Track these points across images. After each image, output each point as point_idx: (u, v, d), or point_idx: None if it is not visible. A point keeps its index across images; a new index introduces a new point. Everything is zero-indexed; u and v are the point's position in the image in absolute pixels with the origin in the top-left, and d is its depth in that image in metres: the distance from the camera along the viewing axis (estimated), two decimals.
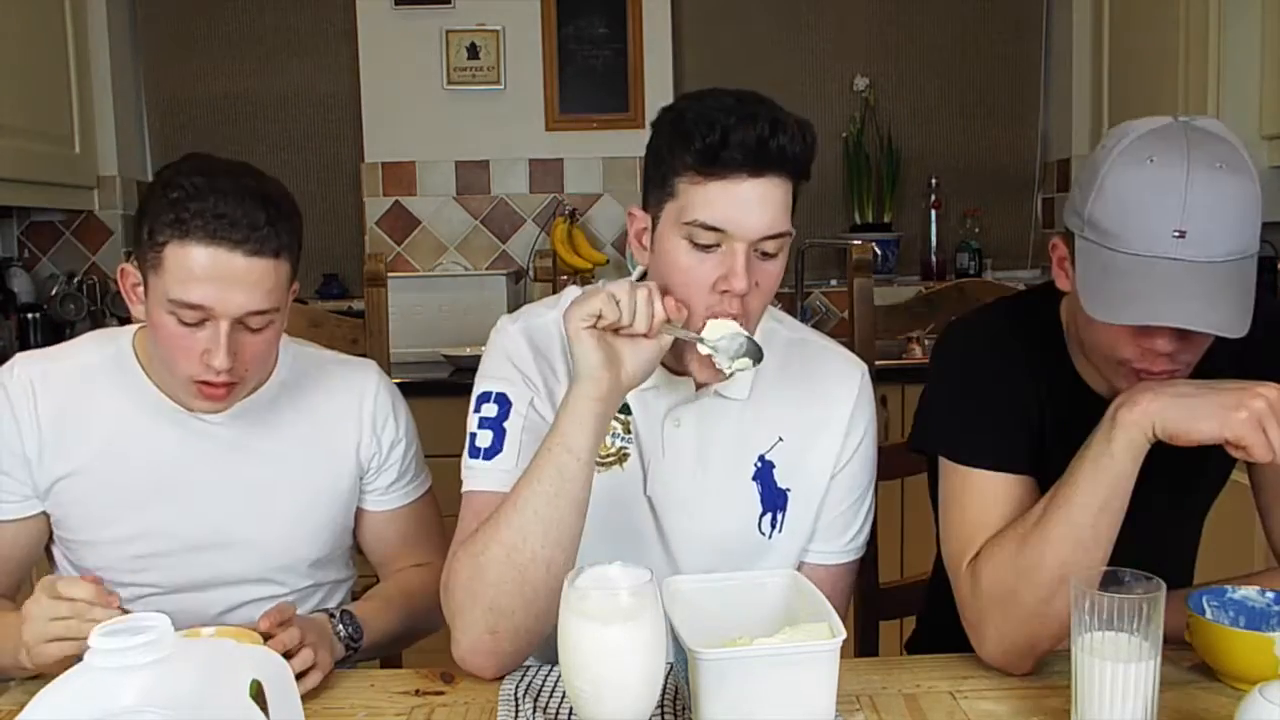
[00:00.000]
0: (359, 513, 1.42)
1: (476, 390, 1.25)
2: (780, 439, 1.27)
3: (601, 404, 1.10)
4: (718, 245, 1.12)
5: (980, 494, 1.18)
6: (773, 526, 1.27)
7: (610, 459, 1.25)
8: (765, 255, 1.14)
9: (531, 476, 1.10)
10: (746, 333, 1.13)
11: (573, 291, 1.30)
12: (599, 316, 1.07)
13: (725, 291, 1.12)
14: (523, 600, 1.09)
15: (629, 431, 1.25)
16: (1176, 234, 1.02)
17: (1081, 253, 1.09)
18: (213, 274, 1.16)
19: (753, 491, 1.27)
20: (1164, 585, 0.95)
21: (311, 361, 1.39)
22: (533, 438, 1.16)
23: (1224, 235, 1.02)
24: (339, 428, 1.37)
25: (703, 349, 1.13)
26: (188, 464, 1.29)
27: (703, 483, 1.26)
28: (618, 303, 1.08)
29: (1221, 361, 1.13)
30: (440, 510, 1.48)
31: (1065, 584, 1.03)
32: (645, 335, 1.10)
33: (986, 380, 1.23)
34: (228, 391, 1.23)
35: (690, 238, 1.12)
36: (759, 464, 1.27)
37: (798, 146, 1.12)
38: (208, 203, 1.15)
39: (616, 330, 1.10)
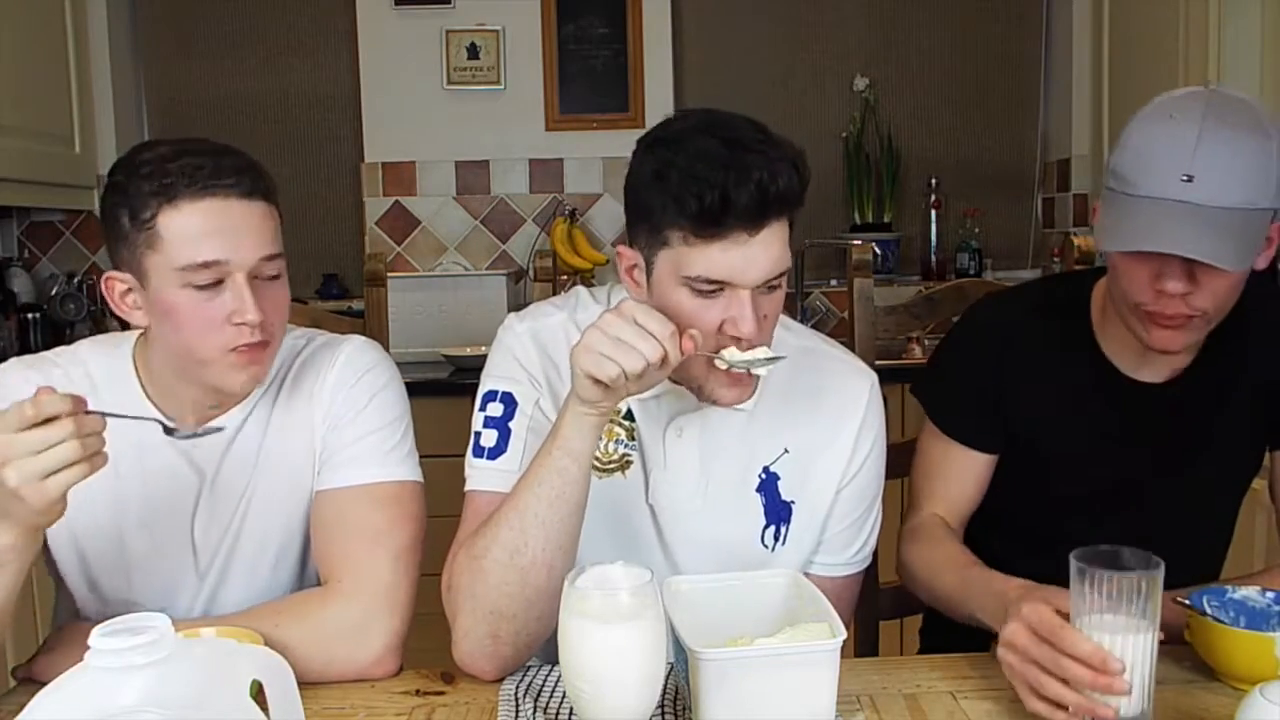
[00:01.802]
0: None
1: (482, 389, 1.24)
2: (786, 450, 1.26)
3: (600, 417, 1.08)
4: (721, 291, 1.09)
5: (941, 454, 1.41)
6: (776, 539, 1.26)
7: (613, 466, 1.24)
8: (770, 288, 1.11)
9: (532, 480, 1.09)
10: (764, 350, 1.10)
11: (582, 293, 1.30)
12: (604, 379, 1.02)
13: (734, 336, 1.09)
14: (524, 603, 1.09)
15: (632, 438, 1.24)
16: (1185, 178, 1.10)
17: (1104, 201, 1.19)
18: (216, 225, 1.10)
19: (756, 503, 1.25)
20: (1163, 564, 0.94)
21: (287, 353, 1.28)
22: (537, 439, 1.15)
23: (1231, 184, 1.10)
24: (312, 424, 1.26)
25: (719, 363, 1.10)
26: (179, 491, 1.22)
27: (705, 493, 1.24)
28: (626, 374, 1.02)
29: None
30: (413, 527, 1.23)
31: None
32: None
33: (980, 364, 1.38)
34: (263, 352, 1.16)
35: (691, 287, 1.09)
36: (763, 475, 1.25)
37: (795, 185, 1.07)
38: (184, 161, 1.10)
39: None
